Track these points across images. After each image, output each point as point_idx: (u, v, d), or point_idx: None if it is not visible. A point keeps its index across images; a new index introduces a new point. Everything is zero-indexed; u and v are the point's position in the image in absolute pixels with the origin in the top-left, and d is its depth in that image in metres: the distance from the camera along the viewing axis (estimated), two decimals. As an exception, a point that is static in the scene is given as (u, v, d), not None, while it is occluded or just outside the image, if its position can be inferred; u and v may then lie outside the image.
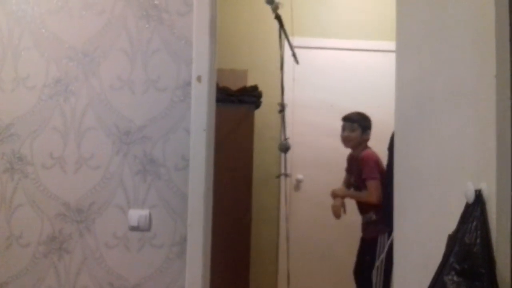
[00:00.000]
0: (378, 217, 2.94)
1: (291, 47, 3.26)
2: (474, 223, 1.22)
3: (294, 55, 3.29)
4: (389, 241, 2.69)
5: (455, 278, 1.22)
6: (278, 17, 3.04)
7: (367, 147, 3.08)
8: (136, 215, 1.94)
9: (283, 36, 3.26)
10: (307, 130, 3.80)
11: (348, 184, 3.26)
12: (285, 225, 3.73)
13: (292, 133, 3.82)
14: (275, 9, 2.96)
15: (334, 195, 3.10)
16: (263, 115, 3.63)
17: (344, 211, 3.12)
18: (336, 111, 3.83)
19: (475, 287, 1.18)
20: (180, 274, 1.94)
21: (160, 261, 1.95)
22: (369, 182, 2.92)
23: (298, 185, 3.82)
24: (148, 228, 1.95)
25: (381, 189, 2.86)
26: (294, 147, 3.76)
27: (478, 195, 1.23)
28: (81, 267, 1.95)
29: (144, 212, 1.94)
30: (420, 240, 1.67)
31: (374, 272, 2.82)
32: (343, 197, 3.09)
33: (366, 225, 3.06)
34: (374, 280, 2.82)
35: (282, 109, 3.27)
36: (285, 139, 3.21)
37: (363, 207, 3.07)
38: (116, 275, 1.94)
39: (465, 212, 1.27)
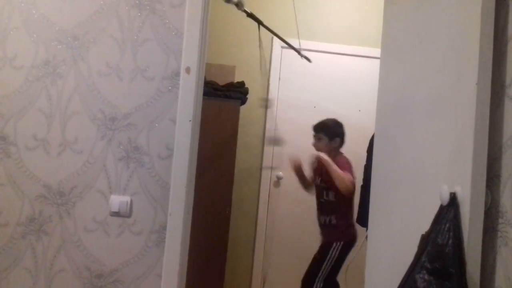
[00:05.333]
0: (337, 223, 2.96)
1: (290, 46, 3.31)
2: (447, 225, 1.27)
3: (300, 53, 3.33)
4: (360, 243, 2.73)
5: (426, 276, 1.26)
6: (251, 16, 3.03)
7: (339, 154, 3.04)
8: (117, 200, 1.95)
9: (271, 35, 3.32)
10: (290, 128, 3.84)
11: (311, 183, 3.21)
12: (265, 220, 3.77)
13: (275, 130, 3.87)
14: (240, 7, 2.93)
15: (318, 158, 2.94)
16: (248, 112, 3.66)
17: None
18: (319, 112, 3.89)
19: (445, 286, 1.23)
20: (157, 262, 1.96)
21: (138, 248, 1.96)
22: (345, 172, 2.88)
23: (278, 181, 3.86)
24: (128, 215, 1.96)
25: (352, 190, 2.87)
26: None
27: (453, 197, 1.28)
28: (59, 249, 1.95)
29: (126, 198, 1.95)
30: (393, 238, 1.72)
31: (320, 272, 2.88)
32: (324, 163, 2.92)
33: (323, 228, 3.04)
34: (316, 279, 2.88)
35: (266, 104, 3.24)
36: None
37: (326, 208, 3.03)
38: (93, 259, 1.95)
39: (439, 214, 1.32)
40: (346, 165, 2.94)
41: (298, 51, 3.50)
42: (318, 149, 3.05)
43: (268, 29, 3.28)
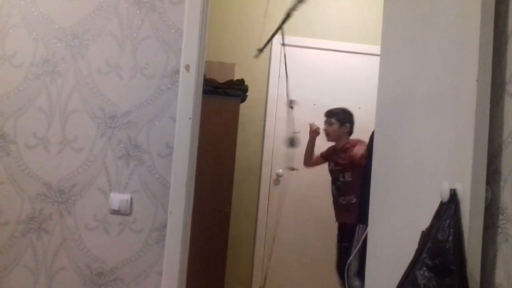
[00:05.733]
0: (357, 202, 3.04)
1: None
2: (448, 221, 1.27)
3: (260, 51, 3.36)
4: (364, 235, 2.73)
5: (426, 273, 1.26)
6: (288, 15, 3.01)
7: (348, 139, 3.24)
8: (117, 198, 1.95)
9: (270, 32, 3.30)
10: (290, 126, 3.84)
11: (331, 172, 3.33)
12: (265, 218, 3.77)
13: (274, 128, 3.87)
14: (295, 7, 2.94)
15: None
16: (248, 109, 3.66)
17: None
18: (319, 110, 3.88)
19: (445, 283, 1.23)
20: (158, 260, 1.96)
21: (139, 245, 1.96)
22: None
23: (277, 179, 3.86)
24: (128, 213, 1.96)
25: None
26: (276, 142, 3.82)
27: (453, 194, 1.28)
28: (59, 248, 1.95)
29: (126, 196, 1.95)
30: (393, 236, 1.72)
31: (352, 260, 2.85)
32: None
33: (345, 208, 3.12)
34: (351, 268, 2.85)
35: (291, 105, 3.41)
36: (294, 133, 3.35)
37: (345, 189, 3.14)
38: (94, 257, 1.95)
39: (439, 210, 1.32)
40: (357, 142, 3.13)
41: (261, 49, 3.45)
42: (328, 133, 3.29)
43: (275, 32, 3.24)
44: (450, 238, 1.24)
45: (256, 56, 3.44)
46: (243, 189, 3.78)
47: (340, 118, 3.23)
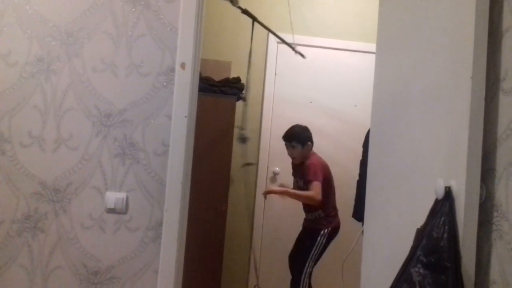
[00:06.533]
0: (325, 214, 3.19)
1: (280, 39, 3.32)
2: (442, 218, 1.27)
3: (294, 49, 3.44)
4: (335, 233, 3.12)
5: (421, 270, 1.26)
6: (245, 12, 3.06)
7: (313, 154, 3.27)
8: (113, 197, 1.94)
9: (267, 30, 3.31)
10: (286, 124, 3.83)
11: (296, 188, 3.39)
12: (262, 216, 3.77)
13: (271, 126, 3.86)
14: (234, 3, 2.97)
15: (270, 192, 3.26)
16: (244, 107, 3.66)
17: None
18: (315, 108, 3.90)
19: (440, 280, 1.23)
20: (154, 259, 1.96)
21: (135, 244, 1.96)
22: (314, 183, 3.10)
23: (274, 177, 3.86)
24: (124, 211, 1.96)
25: (321, 192, 3.10)
26: (272, 140, 3.82)
27: (448, 191, 1.28)
28: (55, 247, 1.94)
29: (121, 195, 1.95)
30: (389, 233, 1.72)
31: (310, 256, 3.10)
32: (280, 193, 3.25)
33: (313, 221, 3.24)
34: (306, 264, 3.11)
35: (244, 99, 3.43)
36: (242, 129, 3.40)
37: (311, 207, 3.22)
38: (90, 256, 1.95)
39: (434, 208, 1.32)
40: (317, 167, 3.16)
41: (292, 47, 3.51)
42: (293, 156, 3.30)
43: (263, 25, 3.27)
44: (445, 235, 1.24)
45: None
46: (239, 187, 3.78)
47: (301, 139, 3.23)
